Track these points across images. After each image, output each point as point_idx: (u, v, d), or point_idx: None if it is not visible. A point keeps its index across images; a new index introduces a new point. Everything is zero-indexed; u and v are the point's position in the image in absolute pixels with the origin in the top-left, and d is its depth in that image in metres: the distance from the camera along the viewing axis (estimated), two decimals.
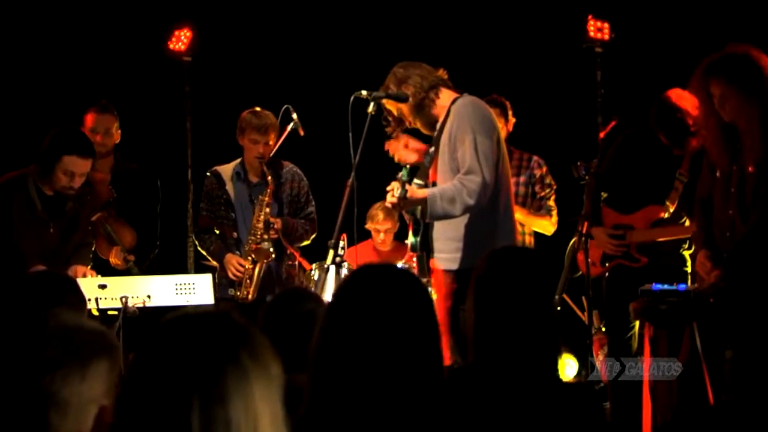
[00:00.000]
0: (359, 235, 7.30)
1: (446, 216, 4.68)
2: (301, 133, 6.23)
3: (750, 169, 4.57)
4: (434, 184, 4.83)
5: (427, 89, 4.88)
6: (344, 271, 6.31)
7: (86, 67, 7.78)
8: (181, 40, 7.75)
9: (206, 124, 7.19)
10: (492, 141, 4.77)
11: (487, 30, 8.10)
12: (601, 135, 6.03)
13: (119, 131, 6.12)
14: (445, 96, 4.93)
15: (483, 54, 8.01)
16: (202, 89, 7.82)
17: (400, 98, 4.87)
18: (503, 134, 6.27)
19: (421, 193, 4.68)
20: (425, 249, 4.80)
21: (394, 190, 4.65)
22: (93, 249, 5.85)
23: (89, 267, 5.65)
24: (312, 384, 2.09)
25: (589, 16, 7.63)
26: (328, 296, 6.31)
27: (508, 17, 8.10)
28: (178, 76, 7.84)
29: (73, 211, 5.71)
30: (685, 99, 5.40)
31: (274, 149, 6.21)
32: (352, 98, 4.80)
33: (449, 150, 4.75)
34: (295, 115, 6.22)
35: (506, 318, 2.82)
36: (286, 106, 6.19)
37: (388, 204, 4.72)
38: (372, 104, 4.84)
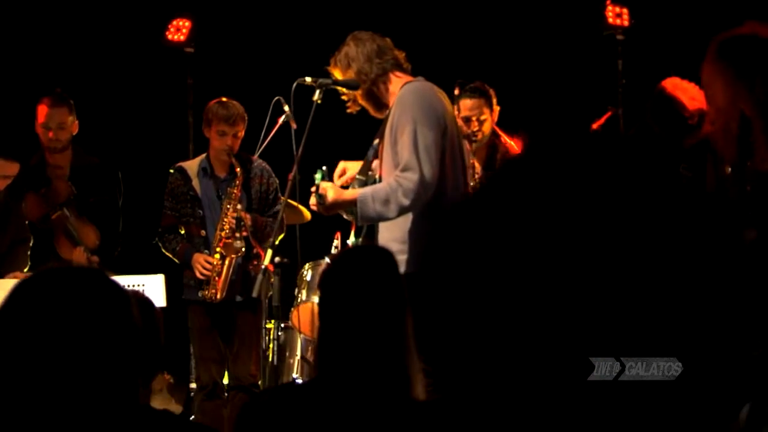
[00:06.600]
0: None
1: (380, 218, 4.20)
2: (293, 125, 5.88)
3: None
4: (381, 179, 4.36)
5: (374, 76, 4.36)
6: None
7: (82, 59, 7.59)
8: (180, 30, 7.54)
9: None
10: (436, 132, 4.18)
11: (494, 21, 7.71)
12: (594, 126, 5.62)
13: (76, 122, 5.80)
14: (396, 81, 4.40)
15: (490, 43, 7.62)
16: (203, 81, 7.59)
17: (350, 85, 4.44)
18: (488, 125, 5.84)
19: (350, 194, 4.19)
20: None
21: (313, 195, 4.24)
22: (31, 246, 5.57)
23: (26, 270, 5.36)
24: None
25: (607, 2, 7.20)
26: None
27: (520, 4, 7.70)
28: (180, 68, 7.60)
29: (3, 205, 5.42)
30: (681, 89, 4.91)
31: (265, 144, 5.89)
32: (294, 85, 4.43)
33: (391, 142, 4.24)
34: (287, 107, 5.87)
35: (351, 326, 2.47)
36: (277, 97, 5.84)
37: (312, 207, 4.30)
38: (318, 92, 4.43)
